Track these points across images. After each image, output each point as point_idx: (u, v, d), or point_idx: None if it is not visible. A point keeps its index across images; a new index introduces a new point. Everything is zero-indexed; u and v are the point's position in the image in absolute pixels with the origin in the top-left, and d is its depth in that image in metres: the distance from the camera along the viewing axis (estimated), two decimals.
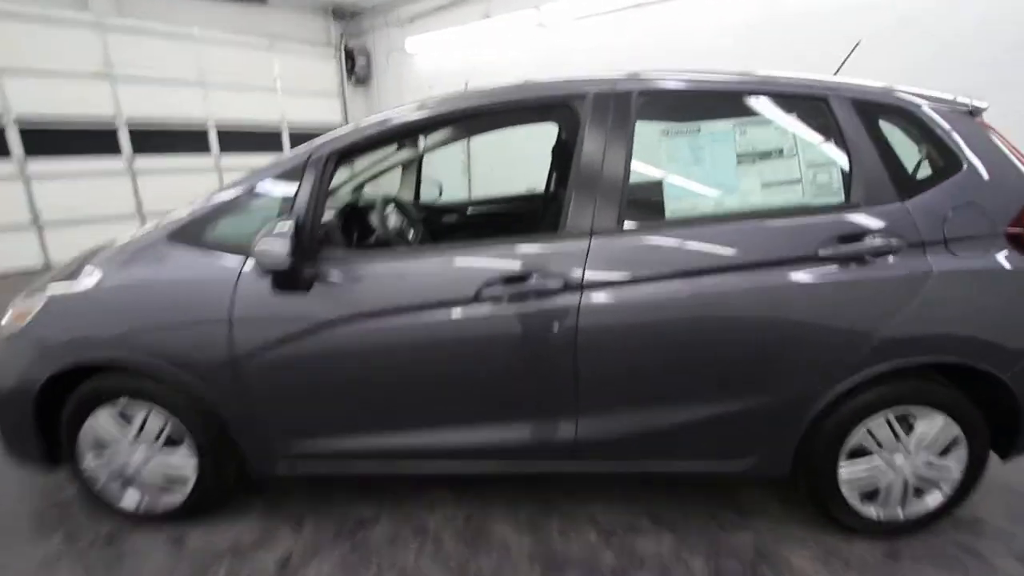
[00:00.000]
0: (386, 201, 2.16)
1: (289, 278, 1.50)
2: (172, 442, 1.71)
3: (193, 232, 1.63)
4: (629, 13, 5.38)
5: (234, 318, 1.55)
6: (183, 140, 6.96)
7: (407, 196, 3.10)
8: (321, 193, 1.56)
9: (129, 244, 1.72)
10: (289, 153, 1.65)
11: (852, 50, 2.06)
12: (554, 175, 2.83)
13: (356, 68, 8.19)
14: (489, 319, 1.50)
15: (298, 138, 7.57)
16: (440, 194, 3.25)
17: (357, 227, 2.07)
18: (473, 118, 1.66)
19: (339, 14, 8.02)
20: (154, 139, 6.67)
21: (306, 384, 1.59)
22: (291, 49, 7.76)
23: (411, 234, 2.07)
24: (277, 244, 1.40)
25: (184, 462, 1.72)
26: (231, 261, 1.58)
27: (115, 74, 6.23)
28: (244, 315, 1.55)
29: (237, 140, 7.38)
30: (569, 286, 1.48)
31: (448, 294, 1.51)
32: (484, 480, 1.98)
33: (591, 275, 1.48)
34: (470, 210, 3.10)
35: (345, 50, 8.19)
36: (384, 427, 1.65)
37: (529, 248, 1.52)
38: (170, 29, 6.48)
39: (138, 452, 1.73)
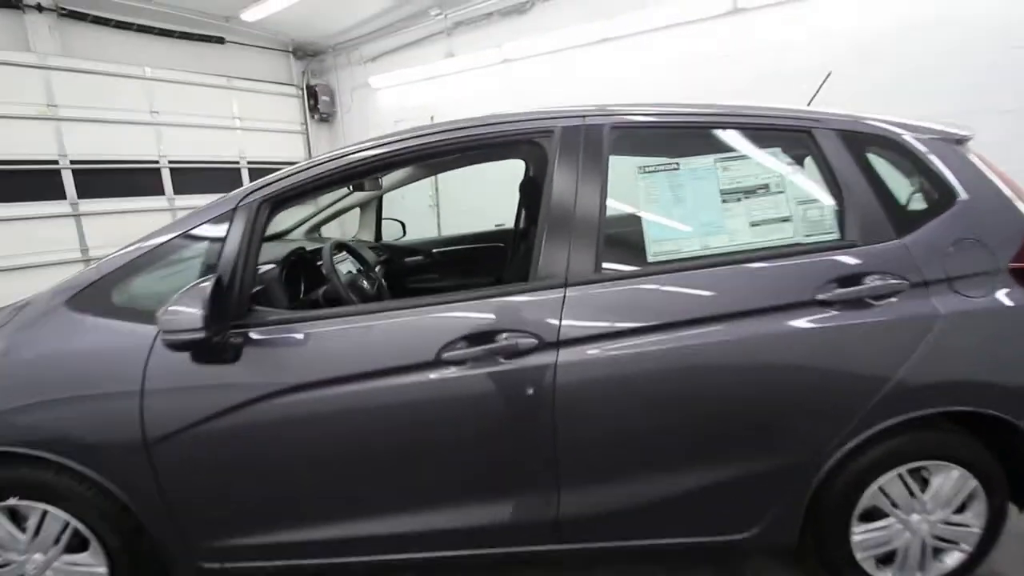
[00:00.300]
0: (336, 246, 1.95)
1: (209, 349, 1.27)
2: (78, 544, 1.42)
3: (96, 296, 1.39)
4: (594, 48, 5.41)
5: (146, 395, 1.30)
6: (134, 181, 6.64)
7: (367, 236, 2.91)
8: (252, 246, 1.36)
9: (26, 307, 1.47)
10: (215, 200, 1.44)
11: (824, 81, 2.00)
12: (523, 213, 2.69)
13: (319, 105, 8.06)
14: (452, 385, 1.30)
15: (258, 174, 7.30)
16: (404, 233, 3.07)
17: (305, 277, 1.86)
18: (430, 156, 1.49)
19: (300, 54, 7.93)
20: (102, 180, 6.33)
21: (237, 469, 1.35)
22: (250, 87, 7.58)
23: (366, 283, 1.86)
24: (187, 313, 1.18)
25: (92, 569, 1.43)
26: (143, 328, 1.34)
27: (60, 115, 5.92)
28: (158, 392, 1.31)
29: (193, 180, 7.08)
30: (544, 343, 1.30)
31: (403, 358, 1.30)
32: (454, 568, 1.73)
33: (568, 330, 1.30)
34: (435, 250, 2.92)
35: (308, 88, 8.07)
36: (333, 514, 1.40)
37: (496, 302, 1.34)
38: (119, 69, 6.24)
39: (33, 560, 1.43)
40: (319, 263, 1.95)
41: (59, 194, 6.06)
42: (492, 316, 1.32)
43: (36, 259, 5.82)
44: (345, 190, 2.35)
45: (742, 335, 1.30)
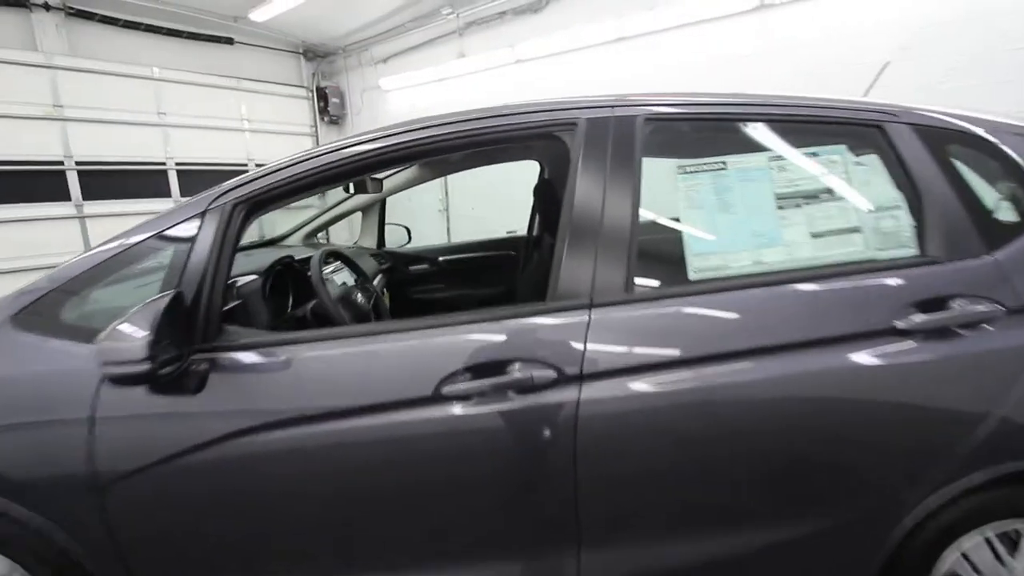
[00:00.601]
0: (329, 255, 1.74)
1: (164, 380, 1.07)
2: None
3: (45, 311, 1.20)
4: (610, 47, 5.20)
5: (97, 429, 1.10)
6: (140, 183, 6.54)
7: (369, 242, 2.71)
8: (223, 256, 1.16)
9: None
10: (184, 202, 1.24)
11: (880, 71, 1.77)
12: (537, 219, 2.47)
13: (329, 107, 7.94)
14: (454, 425, 1.08)
15: None
16: (409, 240, 2.87)
17: (294, 289, 1.66)
18: (432, 153, 1.28)
19: (310, 55, 7.81)
20: (107, 182, 6.23)
21: (198, 520, 1.14)
22: (260, 89, 7.47)
23: (361, 297, 1.65)
24: (129, 339, 0.97)
25: None
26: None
27: (65, 116, 5.83)
28: (110, 426, 1.11)
29: (200, 182, 6.94)
30: (564, 376, 1.08)
31: (395, 392, 1.09)
32: None
33: (594, 360, 1.08)
34: (442, 259, 2.71)
35: (318, 89, 7.95)
36: (311, 572, 1.19)
37: (507, 325, 1.13)
38: (126, 69, 6.14)
39: None
40: (310, 273, 1.75)
41: (64, 195, 5.97)
42: (502, 342, 1.11)
43: (38, 261, 5.70)
44: (344, 192, 2.15)
45: (804, 369, 1.08)
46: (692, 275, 1.15)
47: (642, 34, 4.95)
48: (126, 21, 6.15)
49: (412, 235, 2.85)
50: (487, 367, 1.09)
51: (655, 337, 1.10)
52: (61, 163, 5.90)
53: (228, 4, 6.16)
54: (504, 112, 1.24)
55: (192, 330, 1.12)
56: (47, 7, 5.65)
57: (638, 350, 1.09)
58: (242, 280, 1.44)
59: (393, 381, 1.10)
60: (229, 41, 7.04)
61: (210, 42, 6.87)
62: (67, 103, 5.86)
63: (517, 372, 1.08)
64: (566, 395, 1.08)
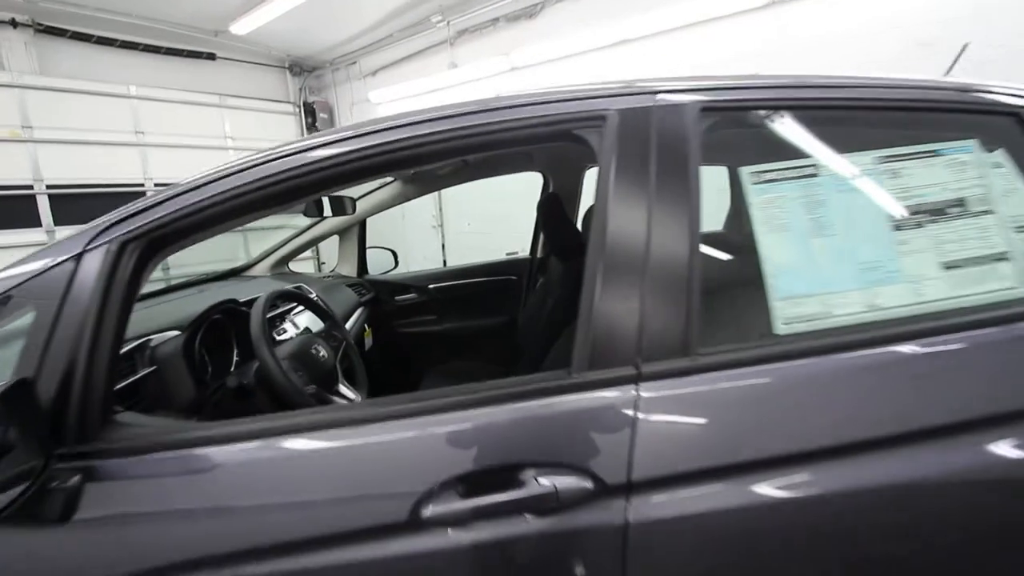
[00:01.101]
0: (279, 297, 1.35)
1: (11, 502, 0.71)
2: None
3: None
4: (611, 51, 4.92)
5: None
6: (117, 206, 6.15)
7: (347, 270, 2.37)
8: (108, 315, 0.81)
9: None
10: (55, 242, 0.89)
11: (960, 53, 1.45)
12: (540, 239, 2.14)
13: (317, 123, 7.66)
14: (441, 563, 0.73)
15: None
16: (395, 264, 2.52)
17: (238, 345, 1.29)
18: (401, 164, 0.93)
19: (296, 70, 7.54)
20: (82, 206, 5.88)
21: None
22: (244, 105, 7.18)
23: (323, 351, 1.25)
24: None
25: None
26: None
27: (35, 137, 5.51)
28: None
29: None
30: (603, 488, 0.73)
31: (352, 517, 0.74)
32: None
33: (647, 460, 0.73)
34: (432, 286, 2.36)
35: (305, 104, 7.67)
36: None
37: (514, 410, 0.77)
38: (101, 87, 5.84)
39: None
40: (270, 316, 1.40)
41: (34, 221, 5.63)
42: (508, 436, 0.76)
43: None
44: (305, 215, 1.81)
45: (955, 466, 0.73)
46: (780, 327, 0.80)
47: (644, 36, 4.67)
48: (100, 37, 5.87)
49: (400, 260, 2.51)
50: (488, 475, 0.73)
51: (735, 425, 0.75)
52: (31, 187, 5.57)
53: (208, 17, 5.88)
54: (501, 104, 0.89)
55: (60, 426, 0.76)
56: (14, 24, 5.37)
57: (712, 443, 0.74)
58: (160, 338, 1.10)
59: (349, 500, 0.74)
60: (211, 56, 6.77)
61: (191, 58, 6.59)
62: (37, 124, 5.55)
63: (534, 482, 0.72)
64: (607, 515, 0.72)
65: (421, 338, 2.32)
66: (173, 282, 1.91)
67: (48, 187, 5.65)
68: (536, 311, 2.02)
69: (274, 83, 7.59)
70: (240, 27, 5.90)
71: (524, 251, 2.41)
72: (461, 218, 6.28)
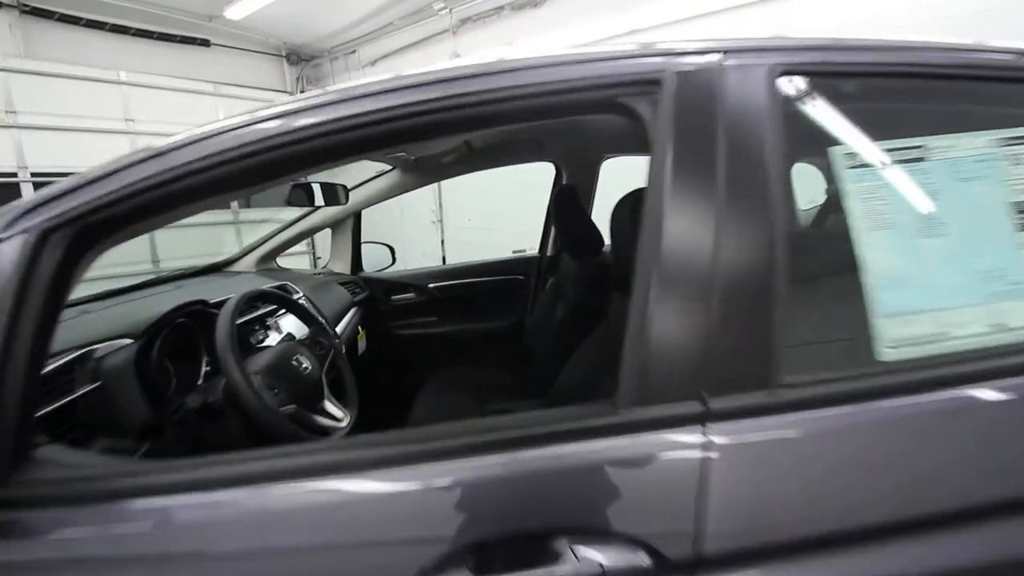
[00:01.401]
0: (255, 299, 1.14)
1: None
2: None
3: None
4: (618, 42, 4.74)
5: None
6: None
7: (341, 267, 2.18)
8: (23, 323, 0.62)
9: None
10: None
11: None
12: (552, 234, 1.96)
13: None
14: None
15: None
16: (392, 261, 2.34)
17: (208, 354, 1.10)
18: (389, 140, 0.75)
19: (294, 59, 7.33)
20: None
21: None
22: (240, 94, 6.97)
23: (306, 361, 1.06)
24: None
25: None
26: None
27: (20, 123, 5.30)
28: None
29: None
30: (663, 564, 0.55)
31: None
32: None
33: (721, 528, 0.55)
34: (432, 285, 2.18)
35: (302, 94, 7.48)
36: None
37: (539, 457, 0.59)
38: (89, 72, 5.63)
39: None
40: (245, 320, 1.22)
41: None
42: (534, 493, 0.58)
43: None
44: (290, 204, 1.62)
45: None
46: (885, 352, 0.62)
47: (652, 27, 4.50)
48: (88, 20, 5.65)
49: (397, 256, 2.32)
50: (509, 546, 0.56)
51: (842, 476, 0.57)
52: (15, 174, 5.37)
53: (202, 1, 5.67)
54: (531, 63, 0.71)
55: None
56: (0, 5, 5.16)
57: (813, 505, 0.56)
58: (108, 347, 0.91)
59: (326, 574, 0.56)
60: (205, 43, 6.56)
61: (184, 43, 6.38)
62: (21, 109, 5.34)
63: (569, 556, 0.55)
64: None
65: (420, 341, 2.15)
66: (148, 278, 1.72)
67: (33, 175, 5.44)
68: (547, 314, 1.85)
69: (270, 72, 7.38)
70: (235, 11, 5.70)
71: (531, 249, 2.24)
72: (461, 213, 6.09)
